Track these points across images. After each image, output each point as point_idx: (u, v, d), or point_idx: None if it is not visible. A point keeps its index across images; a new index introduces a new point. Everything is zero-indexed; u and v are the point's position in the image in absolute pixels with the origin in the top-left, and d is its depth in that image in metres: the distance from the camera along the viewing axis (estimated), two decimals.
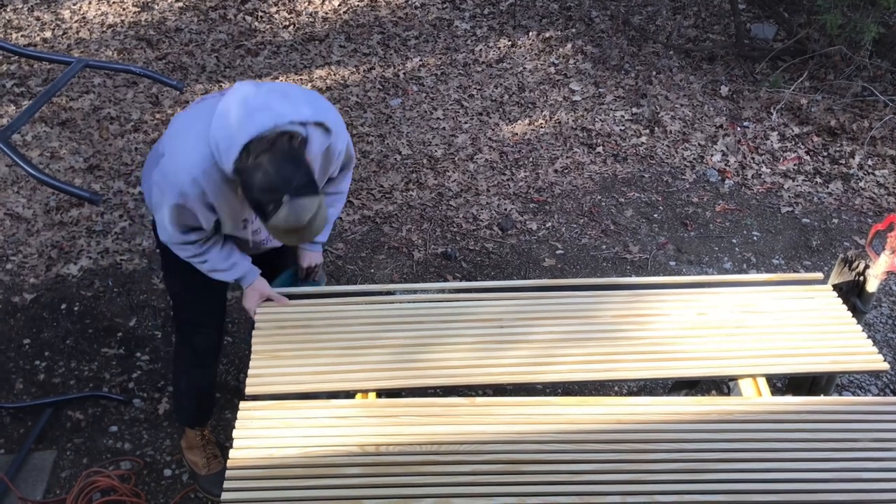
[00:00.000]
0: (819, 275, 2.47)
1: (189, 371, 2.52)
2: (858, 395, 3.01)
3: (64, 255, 3.52)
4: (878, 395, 3.05)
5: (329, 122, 2.01)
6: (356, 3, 5.55)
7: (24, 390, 2.95)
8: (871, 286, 2.34)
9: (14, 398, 2.92)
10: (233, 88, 1.97)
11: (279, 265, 2.48)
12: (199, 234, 2.12)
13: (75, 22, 5.24)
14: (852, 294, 2.38)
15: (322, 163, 2.11)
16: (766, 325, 2.25)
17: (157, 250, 2.45)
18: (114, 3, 5.47)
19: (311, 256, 2.47)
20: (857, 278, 2.37)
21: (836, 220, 3.92)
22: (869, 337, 2.23)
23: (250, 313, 2.31)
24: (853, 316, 2.31)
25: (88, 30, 5.16)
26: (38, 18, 5.26)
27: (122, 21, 5.27)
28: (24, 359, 3.07)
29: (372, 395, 2.10)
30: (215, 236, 2.18)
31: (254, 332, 2.22)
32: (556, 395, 2.78)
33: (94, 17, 5.31)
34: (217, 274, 2.23)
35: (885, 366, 2.13)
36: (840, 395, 2.98)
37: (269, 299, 2.32)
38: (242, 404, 2.01)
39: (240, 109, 1.88)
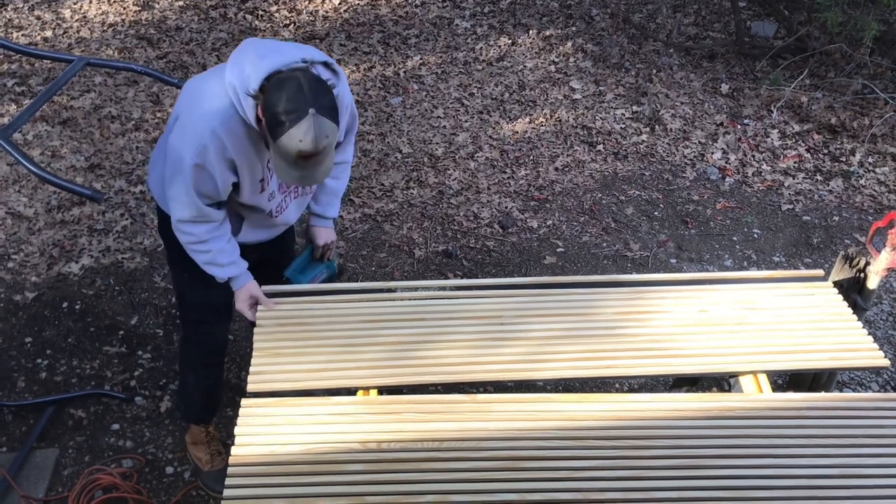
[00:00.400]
0: (820, 272, 2.48)
1: (197, 370, 2.52)
2: (859, 392, 3.01)
3: (65, 253, 3.52)
4: (878, 391, 3.05)
5: (334, 65, 2.02)
6: (356, 2, 5.55)
7: (26, 388, 2.96)
8: (872, 283, 2.35)
9: (16, 396, 2.92)
10: (240, 45, 1.99)
11: (283, 262, 2.48)
12: (212, 210, 2.08)
13: (76, 21, 5.25)
14: (853, 291, 2.39)
15: None
16: (767, 322, 2.26)
17: (164, 247, 2.43)
18: (114, 2, 5.47)
19: (325, 233, 2.45)
20: (857, 275, 2.37)
21: (836, 218, 3.92)
22: (870, 334, 2.23)
23: (245, 315, 2.29)
24: (854, 313, 2.31)
25: (89, 29, 5.16)
26: (38, 17, 5.26)
27: (123, 20, 5.27)
28: (25, 357, 3.07)
29: (373, 391, 2.10)
30: (225, 224, 2.15)
31: (255, 330, 2.23)
32: (557, 391, 2.79)
33: (95, 16, 5.31)
34: (213, 268, 2.19)
35: (886, 362, 2.13)
36: (841, 391, 2.98)
37: (257, 302, 2.29)
38: (244, 401, 2.02)
39: (252, 54, 1.90)
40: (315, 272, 2.47)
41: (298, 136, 1.81)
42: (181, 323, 2.60)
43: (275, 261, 2.45)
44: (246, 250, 2.28)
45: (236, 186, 2.09)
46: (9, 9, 5.35)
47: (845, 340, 2.19)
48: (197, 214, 2.08)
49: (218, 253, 2.16)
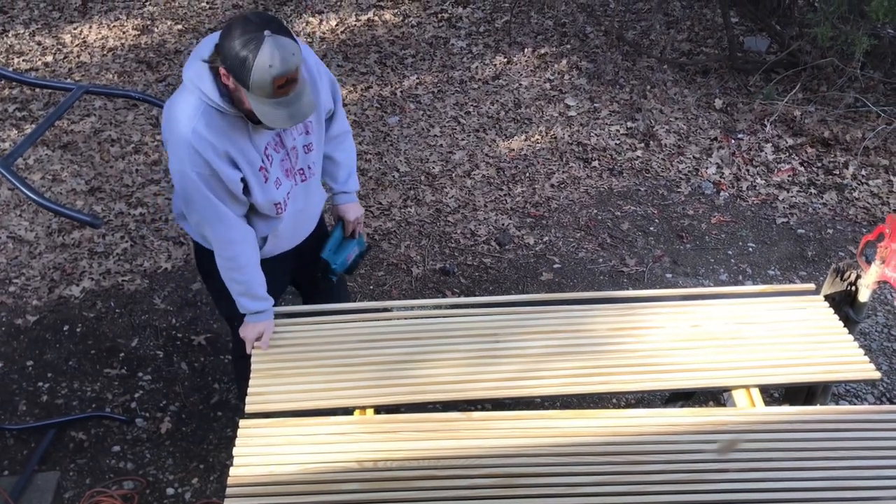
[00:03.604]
0: (811, 286, 2.50)
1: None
2: (854, 405, 3.03)
3: (66, 276, 3.55)
4: (874, 403, 3.06)
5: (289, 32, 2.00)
6: (353, 23, 5.62)
7: (28, 412, 2.98)
8: (863, 296, 2.37)
9: (17, 420, 2.95)
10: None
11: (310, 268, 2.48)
12: (239, 220, 2.10)
13: (76, 46, 5.31)
14: (845, 304, 2.41)
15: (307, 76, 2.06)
16: (760, 337, 2.28)
17: (202, 280, 2.48)
18: (114, 26, 5.54)
19: (354, 209, 2.46)
20: (849, 288, 2.40)
21: (830, 231, 3.95)
22: (865, 346, 2.26)
23: (246, 343, 2.30)
24: (846, 326, 2.33)
25: (89, 53, 5.23)
26: (39, 43, 5.33)
27: (123, 44, 5.34)
28: (27, 380, 3.10)
29: (370, 411, 2.12)
30: (254, 247, 2.17)
31: (253, 352, 2.26)
32: (554, 408, 2.81)
33: (95, 40, 5.37)
34: (246, 300, 2.22)
35: (877, 374, 2.15)
36: (837, 404, 2.99)
37: (259, 338, 2.30)
38: (242, 422, 2.04)
39: (196, 49, 1.96)
40: (349, 250, 2.50)
41: (266, 63, 1.78)
42: (234, 335, 2.55)
43: (316, 262, 2.48)
44: (284, 260, 2.34)
45: (246, 187, 2.08)
46: (10, 35, 5.42)
47: (836, 353, 2.21)
48: (229, 231, 2.09)
49: (252, 279, 2.19)
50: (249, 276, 2.19)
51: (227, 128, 1.97)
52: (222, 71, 1.87)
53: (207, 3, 5.87)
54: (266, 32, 1.78)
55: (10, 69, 4.81)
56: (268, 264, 2.27)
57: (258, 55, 1.78)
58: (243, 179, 2.06)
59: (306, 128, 2.16)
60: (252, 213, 2.18)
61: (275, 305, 2.34)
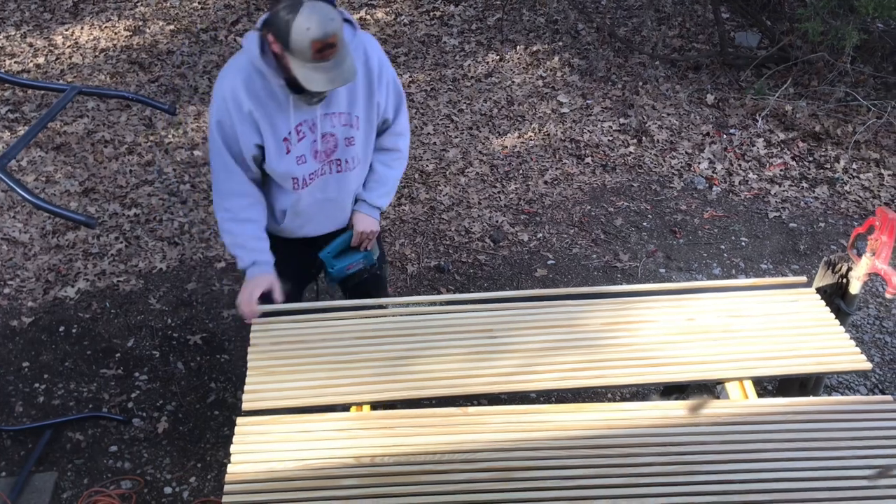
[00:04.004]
0: (803, 278, 2.52)
1: None
2: (847, 396, 3.05)
3: (61, 277, 3.56)
4: (866, 395, 3.09)
5: (346, 14, 2.10)
6: None
7: (24, 413, 2.98)
8: (854, 288, 2.39)
9: (14, 421, 2.95)
10: None
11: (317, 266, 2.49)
12: (246, 181, 2.18)
13: (68, 47, 5.30)
14: (836, 296, 2.43)
15: (362, 66, 2.15)
16: (752, 329, 2.30)
17: None
18: (106, 27, 5.53)
19: (365, 221, 2.43)
20: (840, 281, 2.42)
21: (822, 224, 3.98)
22: (857, 338, 2.28)
23: (242, 310, 2.29)
24: (837, 318, 2.35)
25: (81, 55, 5.22)
26: (31, 45, 5.32)
27: (115, 45, 5.33)
28: (23, 382, 3.10)
29: (367, 407, 2.13)
30: (260, 208, 2.24)
31: (249, 349, 2.26)
32: (549, 402, 2.82)
33: (87, 41, 5.37)
34: (238, 250, 2.26)
35: (868, 365, 2.17)
36: (830, 395, 3.02)
37: (264, 301, 2.29)
38: (239, 420, 2.05)
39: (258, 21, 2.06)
40: (351, 260, 2.45)
41: (304, 25, 1.87)
42: None
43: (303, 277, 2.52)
44: (311, 248, 2.38)
45: (263, 156, 2.16)
46: (1, 36, 5.41)
47: (828, 345, 2.23)
48: (232, 183, 2.18)
49: (247, 234, 2.24)
50: (247, 230, 2.24)
51: (264, 93, 2.07)
52: (270, 38, 1.97)
53: (199, 3, 5.87)
54: (304, 0, 1.88)
55: (3, 71, 4.80)
56: (294, 245, 2.36)
57: (296, 18, 1.88)
58: (260, 147, 2.14)
59: (351, 121, 2.20)
60: (272, 182, 2.25)
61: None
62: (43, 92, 4.74)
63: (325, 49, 1.91)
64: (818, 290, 2.45)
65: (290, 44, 1.91)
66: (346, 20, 2.10)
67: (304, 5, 1.88)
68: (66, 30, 5.50)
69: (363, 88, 2.19)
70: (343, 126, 2.20)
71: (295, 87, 2.03)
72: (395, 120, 2.34)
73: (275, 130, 2.12)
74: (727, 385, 2.20)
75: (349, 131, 2.21)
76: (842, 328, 2.30)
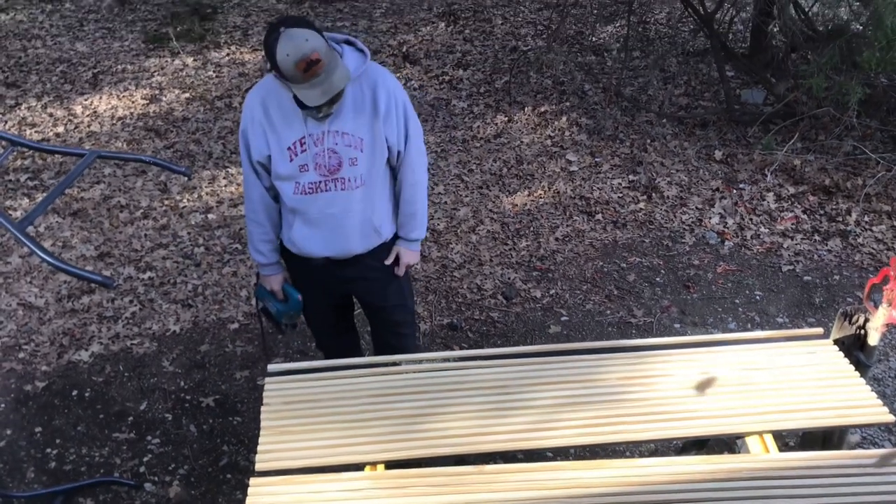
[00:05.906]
0: (819, 330, 2.50)
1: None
2: (870, 450, 2.98)
3: (75, 341, 3.57)
4: (892, 449, 3.01)
5: (358, 43, 2.29)
6: None
7: (36, 479, 2.95)
8: (873, 339, 2.36)
9: (26, 487, 2.92)
10: None
11: (386, 312, 2.70)
12: (259, 183, 2.40)
13: (87, 116, 5.44)
14: (854, 348, 2.40)
15: (370, 97, 2.29)
16: (770, 382, 2.27)
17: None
18: (123, 96, 5.68)
19: (409, 255, 2.63)
20: (857, 332, 2.39)
21: (837, 277, 3.95)
22: (878, 391, 2.24)
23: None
24: (857, 370, 2.32)
25: (99, 123, 5.35)
26: (51, 115, 5.46)
27: (132, 113, 5.46)
28: (35, 447, 3.08)
29: (381, 466, 2.10)
30: (271, 212, 2.47)
31: (262, 409, 2.25)
32: (566, 459, 2.77)
33: (105, 110, 5.51)
34: (250, 247, 2.54)
35: (891, 418, 2.13)
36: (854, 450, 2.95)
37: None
38: (252, 481, 2.02)
39: None
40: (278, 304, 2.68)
41: (284, 52, 2.05)
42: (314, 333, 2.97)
43: (376, 308, 2.69)
44: (328, 277, 2.54)
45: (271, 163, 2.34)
46: (22, 107, 5.56)
47: (849, 398, 2.19)
48: (251, 188, 2.41)
49: (258, 239, 2.51)
50: (259, 231, 2.50)
51: (278, 107, 2.27)
52: (269, 66, 2.18)
53: (214, 72, 6.03)
54: (281, 29, 2.07)
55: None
56: (302, 263, 2.54)
57: (277, 50, 2.06)
58: (269, 156, 2.32)
59: (354, 142, 2.31)
60: (282, 191, 2.41)
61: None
62: (62, 159, 4.84)
63: (310, 67, 2.06)
64: (836, 342, 2.42)
65: (281, 71, 2.10)
66: (357, 48, 2.29)
67: (281, 34, 2.06)
68: (86, 100, 5.65)
69: (369, 115, 2.30)
70: (346, 146, 2.31)
71: (301, 103, 2.20)
72: (405, 149, 2.44)
73: (280, 140, 2.29)
74: (747, 440, 2.16)
75: (352, 152, 2.32)
76: (862, 380, 2.26)
